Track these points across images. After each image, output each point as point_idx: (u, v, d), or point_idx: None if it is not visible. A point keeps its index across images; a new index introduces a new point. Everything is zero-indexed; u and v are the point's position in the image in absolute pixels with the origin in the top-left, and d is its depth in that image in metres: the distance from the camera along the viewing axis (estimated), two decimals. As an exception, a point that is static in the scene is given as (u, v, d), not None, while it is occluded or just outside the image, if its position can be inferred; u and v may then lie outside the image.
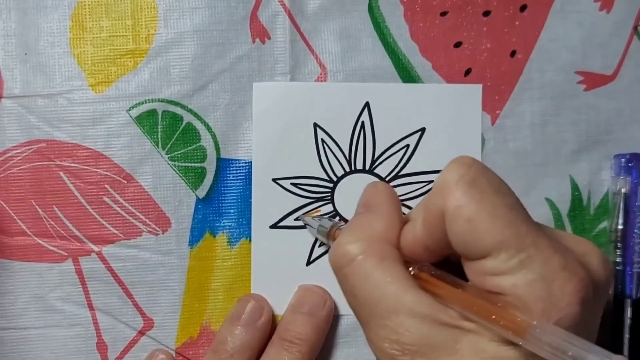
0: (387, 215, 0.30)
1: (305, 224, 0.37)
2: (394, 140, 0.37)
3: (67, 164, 0.37)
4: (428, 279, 0.27)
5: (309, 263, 0.37)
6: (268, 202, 0.37)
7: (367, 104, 0.37)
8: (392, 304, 0.26)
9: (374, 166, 0.38)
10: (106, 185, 0.37)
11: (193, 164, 0.37)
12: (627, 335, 0.36)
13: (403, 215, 0.31)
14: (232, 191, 0.37)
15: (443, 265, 0.29)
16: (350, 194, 0.37)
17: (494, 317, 0.24)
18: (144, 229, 0.37)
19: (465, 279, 0.26)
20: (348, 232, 0.29)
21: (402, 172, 0.37)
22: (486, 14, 0.38)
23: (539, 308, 0.23)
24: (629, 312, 0.36)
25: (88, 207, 0.37)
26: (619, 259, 0.37)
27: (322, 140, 0.37)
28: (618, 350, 0.36)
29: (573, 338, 0.22)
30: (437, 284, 0.27)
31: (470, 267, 0.26)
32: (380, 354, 0.27)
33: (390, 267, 0.27)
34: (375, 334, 0.27)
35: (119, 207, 0.37)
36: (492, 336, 0.25)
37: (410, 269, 0.28)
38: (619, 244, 0.37)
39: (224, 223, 0.37)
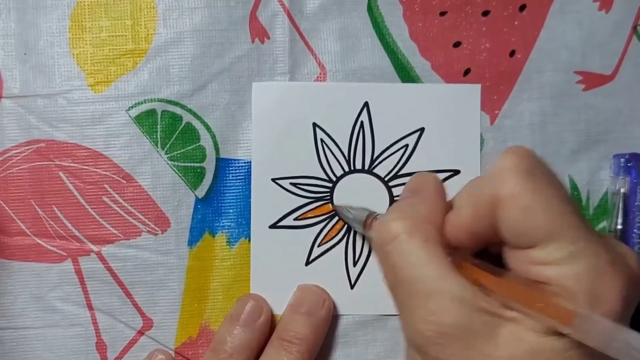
0: (433, 199, 0.30)
1: (339, 213, 0.37)
2: (393, 140, 0.37)
3: (67, 164, 0.37)
4: (470, 268, 0.27)
5: (308, 263, 0.37)
6: (267, 202, 0.37)
7: (366, 104, 0.37)
8: (433, 285, 0.26)
9: (373, 166, 0.38)
10: (105, 185, 0.37)
11: (192, 164, 0.37)
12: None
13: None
14: (231, 191, 0.37)
15: (480, 256, 0.29)
16: (349, 194, 0.37)
17: (539, 304, 0.24)
18: (143, 229, 0.37)
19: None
20: (393, 210, 0.29)
21: (401, 172, 0.38)
22: (485, 13, 0.38)
23: (584, 301, 0.24)
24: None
25: (87, 207, 0.37)
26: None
27: (322, 140, 0.37)
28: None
29: (620, 328, 0.22)
30: (479, 273, 0.27)
31: (516, 256, 0.26)
32: (416, 336, 0.27)
33: (433, 248, 0.27)
34: (412, 314, 0.27)
35: (118, 207, 0.37)
36: (533, 326, 0.24)
37: (451, 258, 0.27)
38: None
39: (223, 223, 0.37)
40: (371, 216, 0.34)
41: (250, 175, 0.37)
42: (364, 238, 0.37)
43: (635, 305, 0.27)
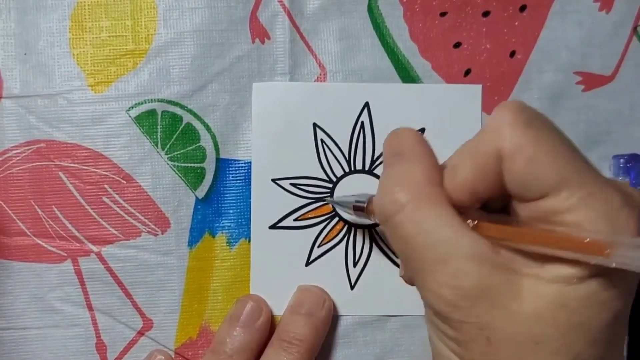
0: (425, 158, 0.28)
1: (335, 206, 0.37)
2: (394, 141, 0.37)
3: (67, 164, 0.37)
4: (485, 224, 0.26)
5: (308, 263, 0.37)
6: (267, 202, 0.37)
7: (366, 104, 0.37)
8: (449, 248, 0.25)
9: (373, 166, 0.38)
10: (105, 186, 0.37)
11: (192, 164, 0.37)
12: (625, 337, 0.36)
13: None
14: (231, 191, 0.37)
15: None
16: (349, 193, 0.37)
17: (569, 242, 0.23)
18: (143, 230, 0.37)
19: None
20: (390, 181, 0.28)
21: (402, 173, 0.37)
22: (486, 14, 0.38)
23: None
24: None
25: (87, 207, 0.37)
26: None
27: (322, 141, 0.37)
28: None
29: None
30: (496, 227, 0.26)
31: (526, 209, 0.25)
32: (439, 302, 0.26)
33: (442, 210, 0.26)
34: (432, 280, 0.26)
35: (118, 207, 0.37)
36: (553, 278, 0.24)
37: (469, 221, 0.26)
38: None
39: (223, 223, 0.37)
40: (371, 200, 0.32)
41: (250, 175, 0.37)
42: (364, 238, 0.37)
43: None
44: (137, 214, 0.37)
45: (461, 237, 0.25)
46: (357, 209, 0.33)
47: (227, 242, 0.37)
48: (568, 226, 0.24)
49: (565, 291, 0.24)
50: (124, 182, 0.37)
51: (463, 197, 0.27)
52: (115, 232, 0.37)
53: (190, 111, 0.37)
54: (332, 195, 0.37)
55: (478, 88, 0.38)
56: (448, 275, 0.25)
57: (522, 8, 0.38)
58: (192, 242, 0.37)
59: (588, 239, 0.23)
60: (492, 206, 0.28)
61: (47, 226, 0.37)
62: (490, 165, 0.25)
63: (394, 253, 0.37)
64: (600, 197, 0.24)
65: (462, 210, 0.27)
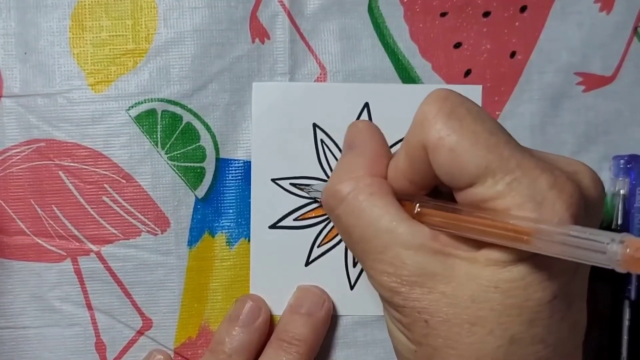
0: (372, 150, 0.30)
1: (314, 196, 0.37)
2: (394, 141, 0.37)
3: (67, 164, 0.37)
4: (424, 211, 0.27)
5: (307, 263, 0.37)
6: (267, 202, 0.37)
7: (366, 105, 0.37)
8: (386, 237, 0.26)
9: (373, 167, 0.37)
10: (105, 185, 0.37)
11: (192, 164, 0.37)
12: (625, 337, 0.36)
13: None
14: (231, 191, 0.37)
15: (435, 195, 0.29)
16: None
17: (497, 229, 0.24)
18: (143, 229, 0.37)
19: None
20: (335, 173, 0.30)
21: (402, 173, 0.37)
22: (486, 14, 0.38)
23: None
24: (627, 314, 0.36)
25: (87, 206, 0.37)
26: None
27: (322, 141, 0.37)
28: (617, 353, 0.36)
29: (579, 229, 0.22)
30: (434, 213, 0.27)
31: (460, 197, 0.26)
32: (380, 288, 0.27)
33: (380, 200, 0.27)
34: (372, 269, 0.27)
35: (118, 206, 0.37)
36: (487, 262, 0.25)
37: (416, 206, 0.27)
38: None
39: (223, 223, 0.37)
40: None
41: (250, 175, 0.37)
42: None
43: (597, 221, 0.27)
44: (137, 214, 0.37)
45: (399, 225, 0.26)
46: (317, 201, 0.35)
47: (226, 242, 0.37)
48: (498, 212, 0.24)
49: (498, 273, 0.25)
50: (124, 181, 0.37)
51: (405, 186, 0.28)
52: (115, 231, 0.37)
53: (190, 111, 0.37)
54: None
55: (478, 89, 0.38)
56: (386, 263, 0.26)
57: (523, 9, 0.38)
58: (191, 242, 0.37)
59: (510, 226, 0.23)
60: (443, 190, 0.28)
61: (47, 225, 0.37)
62: (419, 157, 0.26)
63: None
64: (525, 182, 0.24)
65: (409, 197, 0.28)
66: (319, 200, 0.37)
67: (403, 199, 0.28)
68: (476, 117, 0.26)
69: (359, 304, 0.37)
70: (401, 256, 0.26)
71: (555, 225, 0.23)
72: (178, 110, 0.37)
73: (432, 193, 0.29)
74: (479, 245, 0.26)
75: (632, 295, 0.37)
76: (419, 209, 0.27)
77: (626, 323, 0.36)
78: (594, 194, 0.26)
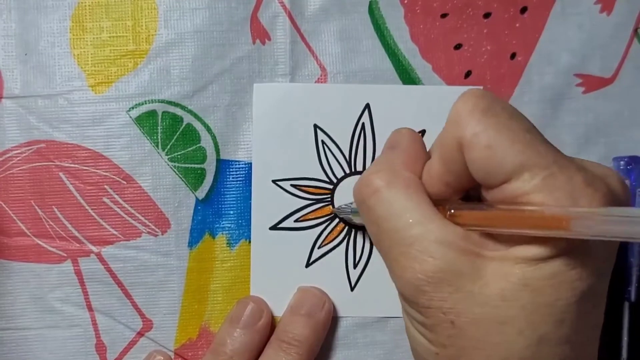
0: (411, 150, 0.30)
1: (340, 215, 0.37)
2: (394, 142, 0.37)
3: (67, 165, 0.37)
4: (457, 212, 0.27)
5: (308, 265, 0.37)
6: (268, 203, 0.37)
7: (367, 106, 0.37)
8: (416, 231, 0.26)
9: (373, 168, 0.37)
10: (106, 186, 0.37)
11: (193, 165, 0.37)
12: (625, 339, 0.36)
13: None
14: (231, 192, 0.37)
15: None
16: (350, 196, 0.37)
17: (536, 220, 0.23)
18: (144, 230, 0.37)
19: None
20: (373, 166, 0.29)
21: (402, 174, 0.37)
22: (486, 15, 0.38)
23: None
24: (627, 315, 0.36)
25: (87, 207, 0.37)
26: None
27: (322, 142, 0.37)
28: (617, 354, 0.36)
29: (619, 209, 0.22)
30: (466, 213, 0.26)
31: (493, 195, 0.26)
32: (404, 285, 0.26)
33: (414, 195, 0.27)
34: (398, 263, 0.26)
35: (118, 208, 0.37)
36: (518, 259, 0.24)
37: (448, 210, 0.27)
38: (617, 247, 0.37)
39: (223, 224, 0.37)
40: None
41: (250, 176, 0.37)
42: (364, 240, 0.37)
43: None
44: (137, 215, 0.37)
45: (429, 222, 0.26)
46: (356, 212, 0.34)
47: (227, 243, 0.37)
48: (534, 207, 0.24)
49: (529, 272, 0.24)
50: (124, 182, 0.37)
51: (439, 190, 0.28)
52: (116, 232, 0.37)
53: (190, 112, 0.37)
54: (332, 198, 0.37)
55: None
56: (413, 257, 0.26)
57: (523, 10, 0.38)
58: (192, 243, 0.37)
59: (548, 214, 0.23)
60: (474, 196, 0.28)
61: (47, 226, 0.37)
62: (454, 156, 0.26)
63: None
64: (562, 178, 0.24)
65: (442, 202, 0.27)
66: (341, 218, 0.37)
67: (436, 203, 0.28)
68: (511, 114, 0.26)
69: (359, 306, 0.37)
70: (430, 250, 0.25)
71: (595, 209, 0.23)
72: (178, 111, 0.37)
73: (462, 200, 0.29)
74: (510, 244, 0.25)
75: (632, 296, 0.37)
76: (452, 211, 0.27)
77: (626, 324, 0.36)
78: (622, 197, 0.26)
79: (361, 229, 0.37)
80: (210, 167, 0.37)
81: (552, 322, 0.24)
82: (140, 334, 0.37)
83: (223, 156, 0.37)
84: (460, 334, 0.25)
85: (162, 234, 0.37)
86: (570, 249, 0.24)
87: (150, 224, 0.37)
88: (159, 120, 0.37)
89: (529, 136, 0.25)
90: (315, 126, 0.37)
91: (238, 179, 0.37)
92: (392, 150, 0.31)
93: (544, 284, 0.24)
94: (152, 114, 0.37)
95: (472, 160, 0.25)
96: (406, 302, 0.27)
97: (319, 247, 0.37)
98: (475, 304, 0.25)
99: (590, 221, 0.22)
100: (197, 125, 0.37)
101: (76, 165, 0.37)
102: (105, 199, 0.37)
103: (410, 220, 0.26)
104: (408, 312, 0.28)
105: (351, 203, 0.35)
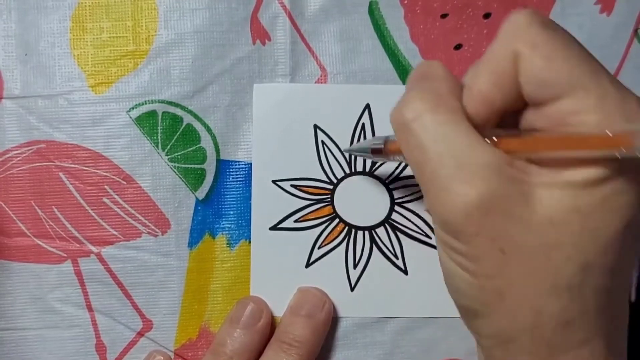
0: (450, 79, 0.28)
1: (352, 153, 0.37)
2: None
3: (67, 165, 0.37)
4: (507, 140, 0.26)
5: (308, 265, 0.37)
6: (268, 203, 0.37)
7: (367, 106, 0.37)
8: (464, 155, 0.25)
9: (374, 168, 0.38)
10: (106, 186, 0.37)
11: (193, 166, 0.37)
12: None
13: None
14: (231, 193, 0.37)
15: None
16: (350, 196, 0.37)
17: (592, 139, 0.23)
18: (144, 230, 0.37)
19: None
20: (411, 92, 0.28)
21: (402, 175, 0.37)
22: (487, 16, 0.38)
23: None
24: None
25: (87, 208, 0.37)
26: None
27: (322, 142, 0.37)
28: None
29: None
30: (512, 139, 0.26)
31: (544, 113, 0.25)
32: (449, 212, 0.25)
33: (461, 120, 0.26)
34: (445, 189, 0.25)
35: (118, 208, 0.37)
36: (567, 184, 0.24)
37: (493, 133, 0.26)
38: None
39: (223, 224, 0.37)
40: (390, 139, 0.32)
41: (250, 176, 0.37)
42: (364, 240, 0.37)
43: None
44: (138, 215, 0.37)
45: (477, 146, 0.25)
46: (375, 152, 0.32)
47: (227, 243, 0.37)
48: (586, 127, 0.24)
49: (579, 196, 0.24)
50: (124, 183, 0.37)
51: (479, 110, 0.27)
52: (116, 233, 0.37)
53: (190, 112, 0.37)
54: (332, 198, 0.37)
55: (479, 90, 0.38)
56: (462, 182, 0.25)
57: (523, 10, 0.38)
58: (192, 243, 0.37)
59: (604, 134, 0.22)
60: (507, 123, 0.27)
61: (47, 227, 0.37)
62: (506, 68, 0.25)
63: (394, 255, 0.37)
64: (617, 98, 0.23)
65: (479, 129, 0.26)
66: (360, 153, 0.35)
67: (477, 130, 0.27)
68: (566, 33, 0.25)
69: (359, 306, 0.37)
70: (480, 175, 0.24)
71: None
72: (179, 111, 0.37)
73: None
74: (558, 168, 0.25)
75: (632, 296, 0.37)
76: (494, 139, 0.26)
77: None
78: None
79: (361, 228, 0.37)
80: (210, 167, 0.37)
81: (599, 249, 0.24)
82: (140, 334, 0.37)
83: (223, 156, 0.37)
84: (509, 262, 0.25)
85: (162, 234, 0.37)
86: (620, 173, 0.24)
87: (150, 224, 0.37)
88: (159, 121, 0.37)
89: (585, 54, 0.25)
90: (315, 126, 0.37)
91: (238, 179, 0.37)
92: (427, 80, 0.29)
93: (593, 209, 0.24)
94: (152, 114, 0.37)
95: (527, 71, 0.25)
96: (448, 232, 0.26)
97: (319, 248, 0.37)
98: (525, 230, 0.24)
99: None
100: (197, 126, 0.37)
101: (76, 166, 0.37)
102: (105, 199, 0.37)
103: (458, 145, 0.25)
104: (449, 244, 0.26)
105: (366, 141, 0.34)
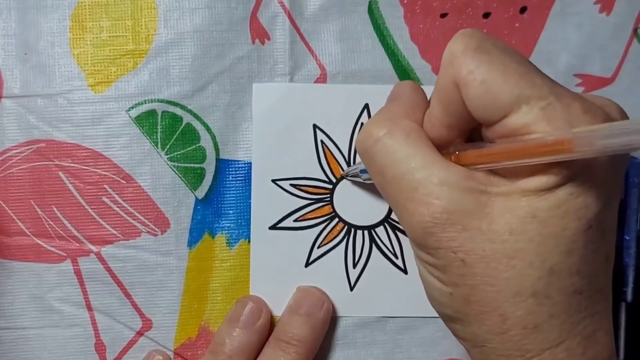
0: (412, 100, 0.30)
1: (349, 177, 0.37)
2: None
3: (67, 164, 0.37)
4: (465, 154, 0.27)
5: (307, 264, 0.37)
6: (267, 203, 0.37)
7: (366, 106, 0.37)
8: (419, 175, 0.26)
9: (373, 168, 0.38)
10: (105, 186, 0.37)
11: (192, 165, 0.37)
12: (622, 339, 0.36)
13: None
14: (231, 192, 0.37)
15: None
16: (349, 195, 0.37)
17: (538, 148, 0.23)
18: (143, 230, 0.37)
19: None
20: (373, 117, 0.30)
21: (401, 174, 0.37)
22: (486, 15, 0.38)
23: None
24: (623, 316, 0.36)
25: (87, 207, 0.37)
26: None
27: (322, 142, 0.37)
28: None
29: (619, 123, 0.22)
30: (468, 153, 0.27)
31: (494, 132, 0.26)
32: (413, 230, 0.27)
33: (416, 141, 0.27)
34: (405, 209, 0.27)
35: (118, 207, 0.37)
36: (523, 192, 0.25)
37: (454, 150, 0.27)
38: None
39: (223, 224, 0.37)
40: None
41: (250, 176, 0.37)
42: (363, 240, 0.37)
43: (627, 157, 0.27)
44: (137, 214, 0.37)
45: (431, 165, 0.26)
46: (364, 171, 0.34)
47: (226, 243, 0.37)
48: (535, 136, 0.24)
49: (535, 203, 0.25)
50: (124, 182, 0.37)
51: (441, 134, 0.28)
52: (115, 232, 0.37)
53: (190, 111, 0.37)
54: (331, 198, 0.37)
55: (478, 90, 0.38)
56: (419, 201, 0.26)
57: (523, 10, 0.38)
58: (191, 243, 0.37)
59: (549, 140, 0.23)
60: (477, 139, 0.28)
61: (47, 226, 0.37)
62: (452, 97, 0.26)
63: (393, 254, 0.38)
64: (559, 107, 0.24)
65: (446, 146, 0.28)
66: (349, 177, 0.37)
67: (441, 148, 0.28)
68: (503, 49, 0.26)
69: (358, 305, 0.37)
70: (435, 193, 0.26)
71: (595, 126, 0.22)
72: (178, 111, 0.37)
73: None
74: (514, 178, 0.25)
75: (629, 297, 0.37)
76: (456, 153, 0.27)
77: (622, 325, 0.37)
78: None
79: (360, 228, 0.37)
80: (209, 166, 0.37)
81: (561, 252, 0.25)
82: (139, 333, 0.37)
83: (222, 156, 0.37)
84: (471, 271, 0.26)
85: (162, 234, 0.37)
86: (574, 177, 0.24)
87: (149, 223, 0.37)
88: (159, 120, 0.37)
89: (523, 68, 0.25)
90: (315, 126, 0.37)
91: (237, 178, 0.37)
92: (393, 102, 0.31)
93: (550, 214, 0.24)
94: (151, 113, 0.37)
95: (469, 97, 0.25)
96: (417, 246, 0.27)
97: (318, 247, 0.37)
98: (483, 240, 0.25)
99: (592, 138, 0.21)
100: (197, 125, 0.37)
101: (76, 165, 0.37)
102: (104, 199, 0.37)
103: (413, 165, 0.27)
104: (420, 257, 0.28)
105: (360, 163, 0.35)
